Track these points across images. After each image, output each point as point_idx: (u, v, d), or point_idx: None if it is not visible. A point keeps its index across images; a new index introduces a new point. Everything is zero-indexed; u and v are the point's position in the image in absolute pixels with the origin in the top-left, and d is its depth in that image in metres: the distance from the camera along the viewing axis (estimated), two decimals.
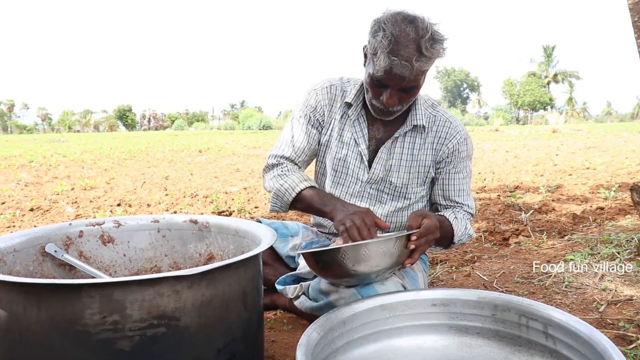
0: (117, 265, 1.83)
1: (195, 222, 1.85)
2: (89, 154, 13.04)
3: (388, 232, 1.97)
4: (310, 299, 1.85)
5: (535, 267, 2.54)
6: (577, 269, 2.46)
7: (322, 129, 2.03)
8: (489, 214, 4.42)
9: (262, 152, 13.45)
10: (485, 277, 2.53)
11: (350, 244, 1.57)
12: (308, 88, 2.07)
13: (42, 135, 32.70)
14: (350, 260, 1.55)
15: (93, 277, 1.63)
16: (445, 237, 1.95)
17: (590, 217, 4.15)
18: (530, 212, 4.08)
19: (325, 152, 2.05)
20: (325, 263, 1.60)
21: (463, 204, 2.04)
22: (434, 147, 1.97)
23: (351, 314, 1.52)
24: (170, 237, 1.87)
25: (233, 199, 5.65)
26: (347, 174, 2.01)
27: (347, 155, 2.00)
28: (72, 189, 6.70)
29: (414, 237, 1.62)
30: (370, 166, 1.98)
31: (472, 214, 2.09)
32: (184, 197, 5.94)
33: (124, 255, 1.84)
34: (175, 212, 4.77)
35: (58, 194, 6.08)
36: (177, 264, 1.88)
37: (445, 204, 2.05)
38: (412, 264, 1.67)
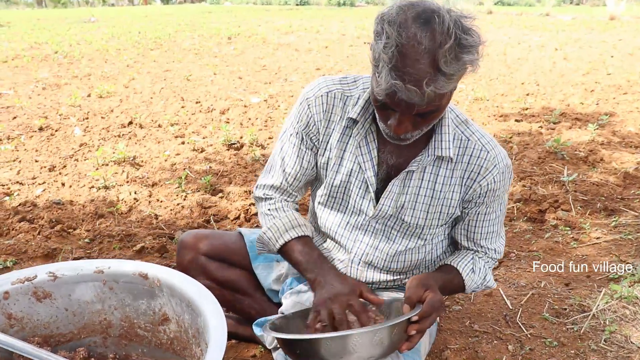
0: (58, 321, 1.53)
1: (146, 276, 1.51)
2: (115, 41, 12.54)
3: (392, 277, 1.64)
4: None
5: (570, 296, 2.15)
6: (622, 307, 2.05)
7: (318, 149, 1.60)
8: (527, 165, 3.92)
9: (292, 41, 12.70)
10: (509, 301, 2.16)
11: (335, 333, 1.26)
12: (301, 95, 1.61)
13: (75, 11, 31.86)
14: (334, 352, 1.25)
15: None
16: (452, 292, 1.64)
17: None
18: (574, 176, 3.57)
19: (324, 175, 1.63)
20: (302, 351, 1.29)
21: (489, 249, 1.64)
22: (463, 183, 1.53)
23: None
24: (119, 289, 1.55)
25: (250, 120, 5.26)
26: (348, 202, 1.60)
27: (348, 182, 1.57)
28: (89, 95, 6.39)
29: (414, 317, 1.30)
30: (377, 199, 1.56)
31: (497, 259, 1.69)
32: (200, 112, 5.58)
33: (66, 310, 1.53)
34: (182, 143, 4.45)
35: (72, 106, 5.78)
36: (129, 318, 1.58)
37: (467, 245, 1.64)
38: (410, 349, 1.33)
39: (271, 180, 1.64)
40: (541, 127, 5.06)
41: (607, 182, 3.59)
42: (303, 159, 1.60)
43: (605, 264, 2.39)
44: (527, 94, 6.52)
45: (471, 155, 1.51)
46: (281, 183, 1.62)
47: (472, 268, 1.59)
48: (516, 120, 5.32)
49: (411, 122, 1.32)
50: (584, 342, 1.89)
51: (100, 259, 1.73)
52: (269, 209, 1.62)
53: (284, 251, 1.58)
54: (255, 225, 2.86)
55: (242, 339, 1.95)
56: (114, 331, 1.60)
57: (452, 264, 1.59)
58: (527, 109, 5.80)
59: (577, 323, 1.99)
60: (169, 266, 1.74)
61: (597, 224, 2.92)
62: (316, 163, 1.62)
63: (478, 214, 1.58)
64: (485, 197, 1.54)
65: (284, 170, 1.62)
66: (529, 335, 1.93)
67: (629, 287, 2.12)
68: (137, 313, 1.56)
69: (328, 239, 1.70)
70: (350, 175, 1.56)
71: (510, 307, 2.12)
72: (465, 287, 1.60)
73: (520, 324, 2.00)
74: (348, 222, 1.62)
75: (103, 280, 1.53)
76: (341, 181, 1.57)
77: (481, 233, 1.61)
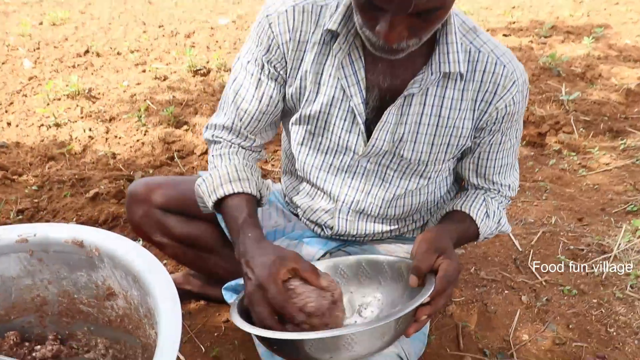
0: None
1: (81, 244, 1.19)
2: None
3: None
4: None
5: (586, 234, 1.88)
6: None
7: (286, 79, 1.25)
8: None
9: None
10: (517, 241, 1.90)
11: (326, 333, 0.94)
12: (260, 11, 1.23)
13: None
14: (322, 350, 0.95)
15: None
16: (463, 244, 1.36)
17: None
18: (575, 95, 3.26)
19: (295, 109, 1.29)
20: (280, 347, 1.00)
21: (503, 185, 1.34)
22: (476, 107, 1.19)
23: None
24: (50, 260, 1.23)
25: (217, 43, 4.81)
26: (330, 139, 1.27)
27: (328, 114, 1.24)
28: (40, 23, 5.81)
29: (426, 299, 0.98)
30: (369, 133, 1.24)
31: (511, 198, 1.40)
32: (163, 36, 5.09)
33: None
34: (144, 71, 4.02)
35: (22, 36, 5.23)
36: (68, 293, 1.28)
37: (476, 183, 1.34)
38: (418, 331, 1.05)
39: (222, 119, 1.30)
40: (531, 41, 4.71)
41: (609, 100, 3.31)
42: (263, 93, 1.25)
43: (621, 193, 2.13)
44: (513, 7, 6.12)
45: (484, 72, 1.17)
46: (233, 123, 1.28)
47: (486, 212, 1.30)
48: (504, 35, 4.96)
49: (407, 26, 0.98)
50: (607, 289, 1.65)
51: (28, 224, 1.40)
52: (212, 155, 1.31)
53: (220, 212, 1.25)
54: None
55: (212, 301, 1.68)
56: (52, 308, 1.30)
57: (462, 209, 1.29)
58: (514, 22, 5.43)
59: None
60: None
61: (604, 148, 2.65)
62: (283, 97, 1.28)
63: (491, 144, 1.26)
64: (502, 122, 1.22)
65: (237, 107, 1.27)
66: (543, 283, 1.69)
67: None
68: (77, 287, 1.27)
69: (308, 186, 1.39)
70: (330, 105, 1.22)
71: (520, 249, 1.86)
72: (479, 235, 1.31)
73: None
74: (332, 164, 1.30)
75: (29, 250, 1.21)
76: (319, 112, 1.23)
77: (494, 167, 1.30)
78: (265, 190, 1.28)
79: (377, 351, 0.98)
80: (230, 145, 1.29)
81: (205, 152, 2.67)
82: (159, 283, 1.04)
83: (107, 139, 2.91)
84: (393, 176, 1.29)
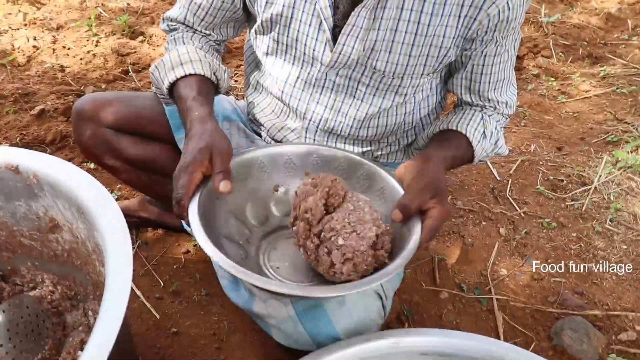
0: None
1: (16, 170, 1.04)
2: None
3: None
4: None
5: (566, 164, 1.80)
6: (627, 178, 1.73)
7: None
8: None
9: None
10: (495, 170, 1.81)
11: (308, 292, 0.87)
12: None
13: None
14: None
15: None
16: (457, 166, 1.24)
17: (629, 19, 3.22)
18: (555, 17, 3.11)
19: (256, 10, 1.13)
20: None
21: (500, 102, 1.20)
22: (462, 13, 1.03)
23: None
24: None
25: None
26: (296, 48, 1.12)
27: (291, 18, 1.08)
28: None
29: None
30: (335, 40, 1.08)
31: (509, 116, 1.26)
32: None
33: None
34: None
35: None
36: (6, 225, 1.14)
37: (470, 100, 1.20)
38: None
39: (177, 12, 1.21)
40: None
41: (589, 24, 3.18)
42: None
43: (601, 123, 2.05)
44: None
45: None
46: (186, 18, 1.19)
47: (484, 132, 1.16)
48: None
49: None
50: (587, 222, 1.59)
51: None
52: (167, 41, 1.22)
53: (174, 98, 1.14)
54: None
55: (171, 229, 1.55)
56: None
57: (458, 129, 1.14)
58: None
59: (577, 199, 1.68)
60: None
61: (584, 75, 2.55)
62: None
63: (485, 55, 1.12)
64: (494, 31, 1.07)
65: (191, 1, 1.17)
66: (522, 215, 1.62)
67: (633, 153, 1.80)
68: (16, 218, 1.12)
69: (274, 102, 1.25)
70: (293, 7, 1.06)
71: (498, 178, 1.78)
72: (473, 159, 1.18)
73: (512, 200, 1.67)
74: (298, 77, 1.15)
75: None
76: (281, 16, 1.08)
77: (489, 82, 1.16)
78: (223, 74, 1.15)
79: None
80: (187, 31, 1.21)
81: None
82: (106, 216, 0.90)
83: (54, 49, 2.65)
84: (365, 92, 1.14)
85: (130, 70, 2.46)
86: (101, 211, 0.92)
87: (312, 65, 1.12)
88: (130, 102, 1.34)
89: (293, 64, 1.15)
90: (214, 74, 1.12)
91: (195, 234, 0.86)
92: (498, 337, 1.26)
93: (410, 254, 0.85)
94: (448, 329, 0.99)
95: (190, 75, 1.08)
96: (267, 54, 1.18)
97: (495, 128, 1.19)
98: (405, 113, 1.19)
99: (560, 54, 2.78)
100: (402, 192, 0.98)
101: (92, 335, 0.68)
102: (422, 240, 0.89)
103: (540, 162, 1.86)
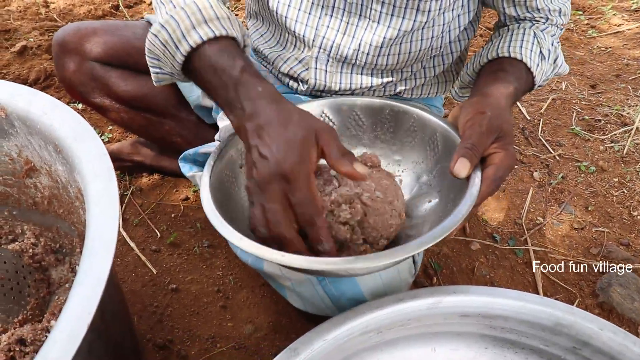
0: None
1: None
2: None
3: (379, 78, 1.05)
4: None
5: (602, 102, 1.63)
6: None
7: None
8: None
9: None
10: (524, 109, 1.63)
11: (340, 264, 0.62)
12: None
13: None
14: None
15: None
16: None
17: None
18: None
19: None
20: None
21: (552, 10, 0.99)
22: None
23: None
24: None
25: None
26: None
27: None
28: None
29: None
30: None
31: (564, 26, 1.07)
32: None
33: None
34: None
35: None
36: None
37: (516, 14, 1.01)
38: None
39: None
40: None
41: None
42: None
43: (638, 59, 1.86)
44: None
45: None
46: None
47: (541, 52, 0.95)
48: None
49: None
50: (629, 166, 1.43)
51: None
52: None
53: (191, 68, 0.77)
54: None
55: (168, 174, 1.40)
56: None
57: (512, 55, 0.94)
58: None
59: (617, 140, 1.51)
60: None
61: (615, 8, 2.34)
62: None
63: None
64: None
65: None
66: (557, 158, 1.45)
67: None
68: None
69: (278, 30, 1.06)
70: None
71: (528, 118, 1.61)
72: (533, 86, 0.97)
73: (544, 142, 1.51)
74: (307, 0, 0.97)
75: None
76: None
77: None
78: (248, 38, 0.85)
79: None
80: None
81: None
82: (86, 154, 0.74)
83: None
84: (382, 12, 0.95)
85: (120, 4, 2.25)
86: (81, 148, 0.76)
87: None
88: (119, 30, 1.17)
89: None
90: (244, 36, 0.81)
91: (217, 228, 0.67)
92: (537, 293, 1.12)
93: (467, 209, 0.67)
94: (494, 287, 0.84)
95: (220, 37, 0.75)
96: None
97: (552, 44, 0.99)
98: (432, 37, 1.00)
99: None
100: (457, 138, 0.80)
101: (67, 303, 0.53)
102: (482, 193, 0.71)
103: (574, 101, 1.68)
